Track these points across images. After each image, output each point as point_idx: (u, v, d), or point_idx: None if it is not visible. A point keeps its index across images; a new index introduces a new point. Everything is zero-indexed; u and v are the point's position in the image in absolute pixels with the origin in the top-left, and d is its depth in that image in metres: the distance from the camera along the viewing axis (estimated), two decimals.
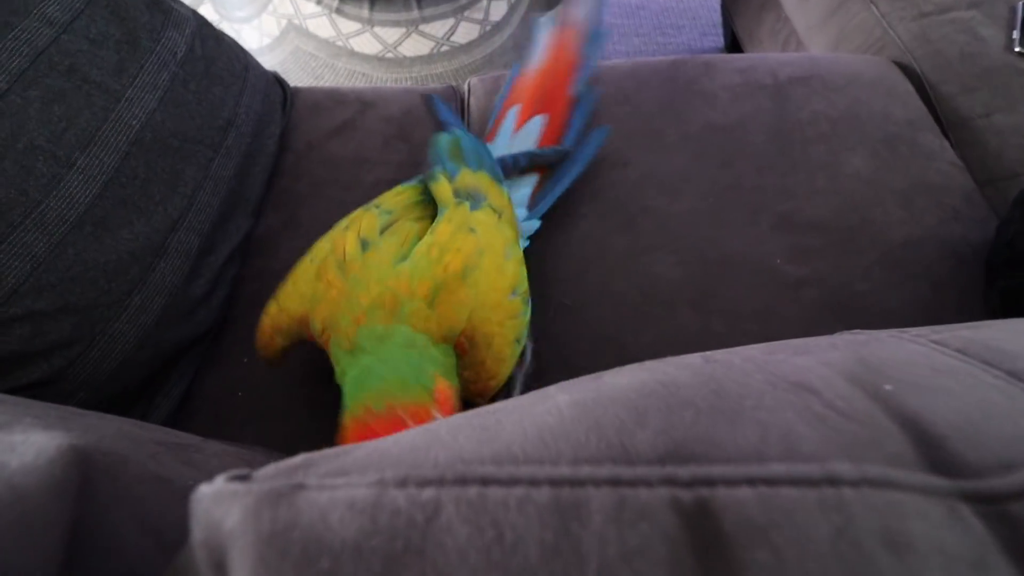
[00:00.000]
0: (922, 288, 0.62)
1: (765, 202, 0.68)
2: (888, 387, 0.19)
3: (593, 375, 0.22)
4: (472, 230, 0.48)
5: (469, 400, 0.47)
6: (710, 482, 0.13)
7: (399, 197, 0.55)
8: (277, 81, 0.79)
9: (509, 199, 0.56)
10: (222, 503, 0.14)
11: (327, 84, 1.21)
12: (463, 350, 0.45)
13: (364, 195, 0.72)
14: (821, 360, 0.19)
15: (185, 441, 0.29)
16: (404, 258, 0.46)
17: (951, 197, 0.70)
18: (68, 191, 0.49)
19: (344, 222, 0.52)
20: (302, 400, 0.58)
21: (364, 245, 0.48)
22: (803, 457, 0.14)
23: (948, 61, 0.85)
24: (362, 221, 0.50)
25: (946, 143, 0.77)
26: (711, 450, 0.14)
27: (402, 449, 0.16)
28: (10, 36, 0.48)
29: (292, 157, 0.75)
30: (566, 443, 0.14)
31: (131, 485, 0.20)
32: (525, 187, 0.65)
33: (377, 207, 0.53)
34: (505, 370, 0.48)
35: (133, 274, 0.52)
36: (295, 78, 1.25)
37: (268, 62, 1.14)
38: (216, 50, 0.66)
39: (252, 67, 0.72)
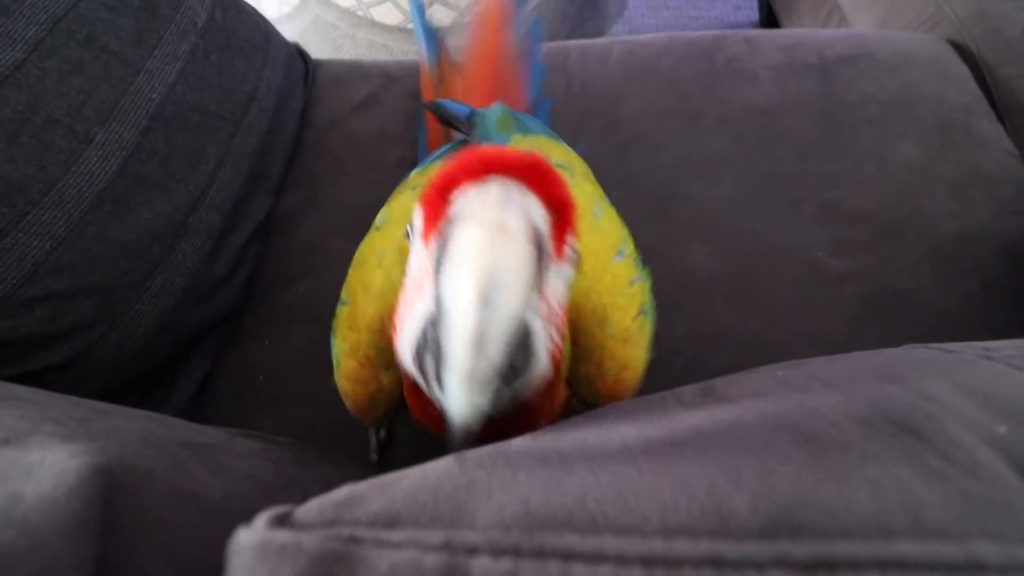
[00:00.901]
0: (973, 287, 0.59)
1: (808, 190, 0.65)
2: (1002, 430, 0.17)
3: (654, 398, 0.20)
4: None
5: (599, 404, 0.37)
6: (832, 564, 0.11)
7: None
8: (299, 53, 0.76)
9: (576, 155, 0.50)
10: (267, 561, 0.12)
11: (347, 55, 1.18)
12: (571, 340, 0.36)
13: (387, 174, 0.69)
14: (918, 392, 0.17)
15: (210, 440, 0.27)
16: None
17: (1007, 189, 0.66)
18: (87, 167, 0.47)
19: (385, 214, 0.43)
20: (323, 385, 0.57)
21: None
22: (935, 532, 0.12)
23: (1007, 41, 0.79)
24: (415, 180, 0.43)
25: (1002, 130, 0.72)
26: (825, 519, 0.12)
27: (457, 486, 0.15)
28: (27, 2, 0.46)
29: (314, 133, 0.73)
30: (651, 505, 0.12)
31: (157, 507, 0.19)
32: None
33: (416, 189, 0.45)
34: (639, 353, 0.38)
35: (154, 254, 0.51)
36: (315, 49, 1.21)
37: (288, 32, 1.10)
38: (237, 20, 0.63)
39: (274, 38, 0.69)
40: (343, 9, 1.21)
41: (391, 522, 0.13)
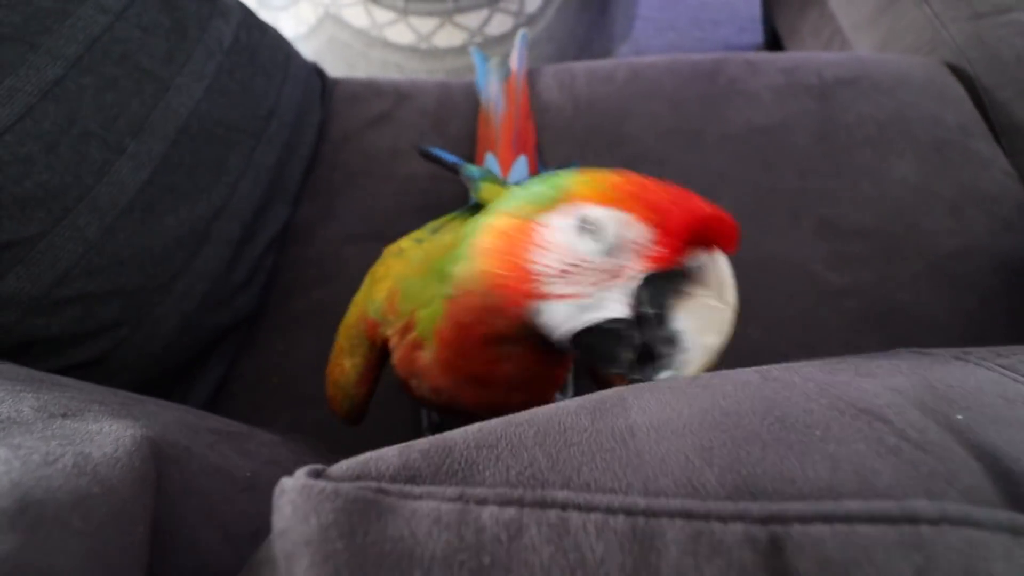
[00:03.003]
0: (970, 302, 0.60)
1: (807, 206, 0.67)
2: (959, 417, 0.19)
3: (650, 388, 0.22)
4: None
5: None
6: (784, 519, 0.13)
7: (432, 224, 0.49)
8: (317, 71, 0.79)
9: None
10: (309, 499, 0.14)
11: (361, 74, 1.22)
12: None
13: (399, 187, 0.72)
14: (888, 385, 0.19)
15: (236, 430, 0.29)
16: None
17: (1003, 207, 0.68)
18: (119, 177, 0.50)
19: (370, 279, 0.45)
20: None
21: (417, 241, 0.43)
22: (879, 493, 0.14)
23: (1004, 65, 0.81)
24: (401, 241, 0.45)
25: (999, 150, 0.74)
26: (783, 486, 0.14)
27: (468, 448, 0.16)
28: (67, 23, 0.49)
29: (329, 147, 0.76)
30: (635, 476, 0.14)
31: (196, 477, 0.21)
32: None
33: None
34: None
35: (178, 259, 0.53)
36: (330, 67, 1.26)
37: (303, 51, 1.15)
38: (260, 40, 0.66)
39: (293, 57, 0.73)
40: (357, 29, 1.25)
41: (411, 478, 0.15)
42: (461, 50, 1.35)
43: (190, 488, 0.20)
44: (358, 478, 0.15)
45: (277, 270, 0.67)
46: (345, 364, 0.40)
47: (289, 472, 0.24)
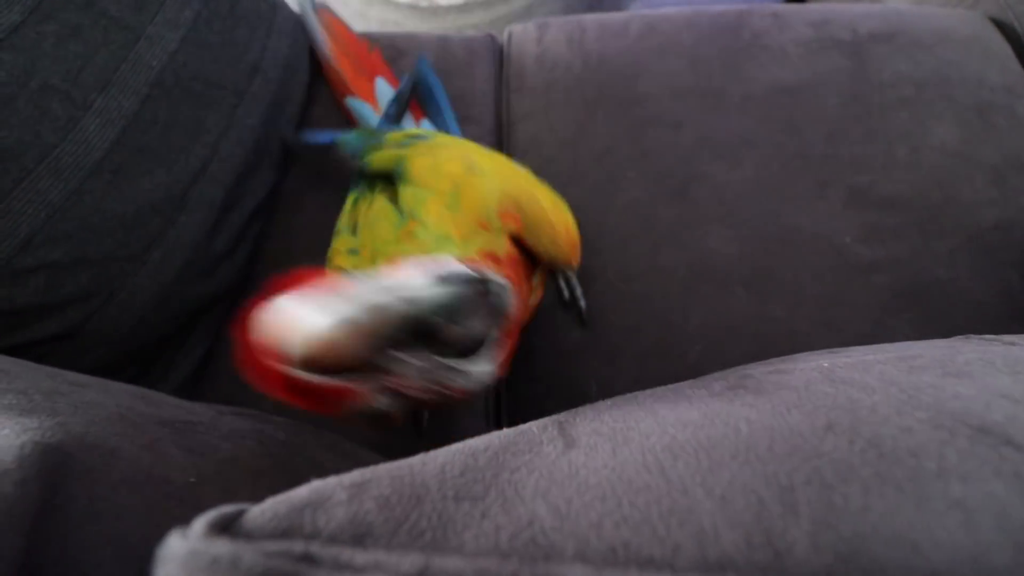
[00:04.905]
0: (1012, 278, 0.56)
1: (836, 174, 0.61)
2: None
3: (678, 388, 0.18)
4: (445, 145, 0.48)
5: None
6: None
7: (344, 211, 0.51)
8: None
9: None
10: (197, 572, 0.10)
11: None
12: (518, 224, 0.43)
13: None
14: (992, 388, 0.14)
15: (195, 418, 0.26)
16: (401, 216, 0.43)
17: None
18: (84, 135, 0.46)
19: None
20: None
21: (353, 252, 0.44)
22: None
23: None
24: (333, 248, 0.46)
25: None
26: (905, 555, 0.09)
27: (444, 494, 0.12)
28: None
29: (320, 110, 0.71)
30: (684, 531, 0.10)
31: (113, 491, 0.17)
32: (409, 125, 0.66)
33: (337, 232, 0.49)
34: (559, 201, 0.49)
35: (153, 227, 0.49)
36: None
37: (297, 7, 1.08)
38: None
39: (280, 7, 0.67)
40: None
41: (358, 537, 0.11)
42: (463, 8, 1.27)
43: (100, 509, 0.16)
44: (284, 534, 0.11)
45: (264, 239, 0.62)
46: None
47: (252, 475, 0.20)
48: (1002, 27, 0.76)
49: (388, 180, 0.49)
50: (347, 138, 0.56)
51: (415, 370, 0.26)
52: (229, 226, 0.57)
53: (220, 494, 0.20)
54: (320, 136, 0.63)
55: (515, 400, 0.56)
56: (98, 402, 0.22)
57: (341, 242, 0.46)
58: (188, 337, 0.55)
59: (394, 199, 0.46)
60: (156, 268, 0.50)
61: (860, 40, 0.71)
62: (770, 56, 0.70)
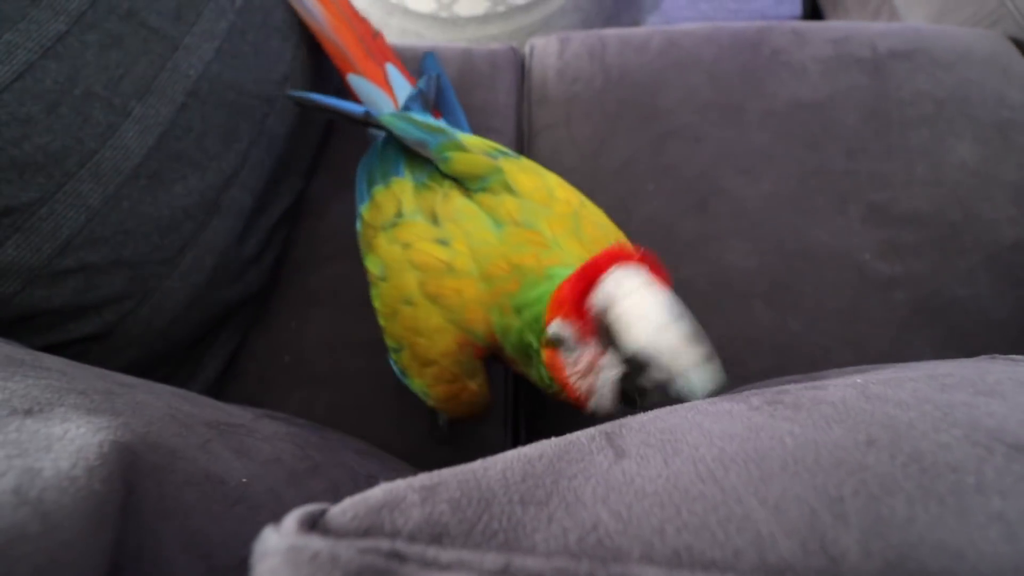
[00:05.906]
0: None
1: (856, 190, 0.62)
2: None
3: (718, 403, 0.18)
4: (532, 168, 0.48)
5: None
6: None
7: (405, 195, 0.48)
8: None
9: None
10: (298, 570, 0.11)
11: None
12: None
13: None
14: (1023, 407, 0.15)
15: (236, 420, 0.27)
16: (496, 222, 0.43)
17: None
18: (124, 141, 0.47)
19: (380, 266, 0.47)
20: (347, 368, 0.57)
21: (443, 243, 0.43)
22: None
23: None
24: (409, 232, 0.45)
25: None
26: (950, 562, 0.10)
27: (511, 498, 0.13)
28: None
29: None
30: (743, 537, 0.11)
31: (180, 491, 0.18)
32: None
33: (400, 215, 0.47)
34: None
35: (186, 231, 0.51)
36: None
37: None
38: (274, 0, 0.62)
39: None
40: None
41: (436, 537, 0.11)
42: (483, 19, 1.29)
43: (170, 508, 0.17)
44: (368, 533, 0.12)
45: (290, 244, 0.64)
46: (472, 386, 0.45)
47: (292, 476, 0.21)
48: (1021, 46, 0.76)
49: (449, 177, 0.48)
50: (400, 124, 0.52)
51: (614, 373, 0.33)
52: (257, 231, 0.58)
53: (268, 494, 0.21)
54: (329, 100, 0.59)
55: (532, 408, 0.57)
56: (149, 402, 0.23)
57: (420, 229, 0.45)
58: (215, 339, 0.56)
59: (466, 199, 0.46)
60: (188, 271, 0.51)
61: (880, 58, 0.71)
62: (790, 72, 0.70)
